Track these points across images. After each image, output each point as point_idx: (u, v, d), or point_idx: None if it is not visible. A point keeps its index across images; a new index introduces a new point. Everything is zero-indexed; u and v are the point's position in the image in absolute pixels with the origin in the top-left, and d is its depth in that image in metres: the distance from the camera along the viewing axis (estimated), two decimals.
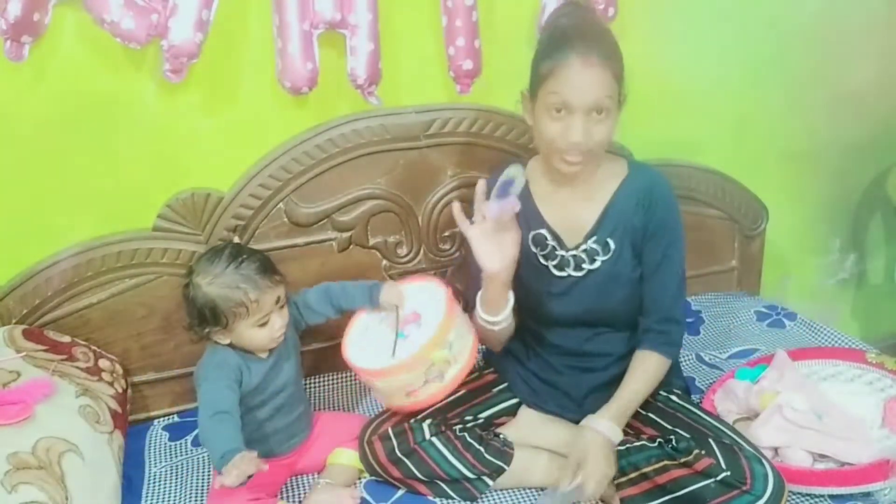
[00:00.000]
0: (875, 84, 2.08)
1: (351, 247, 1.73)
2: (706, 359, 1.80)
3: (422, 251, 1.78)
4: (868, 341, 1.84)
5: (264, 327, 1.37)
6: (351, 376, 1.75)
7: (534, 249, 1.44)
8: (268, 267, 1.39)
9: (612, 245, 1.42)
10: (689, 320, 1.95)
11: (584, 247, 1.43)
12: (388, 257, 1.76)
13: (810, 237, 2.24)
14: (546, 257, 1.44)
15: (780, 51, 1.94)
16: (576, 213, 1.44)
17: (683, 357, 1.74)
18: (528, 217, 1.43)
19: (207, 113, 1.56)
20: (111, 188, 1.55)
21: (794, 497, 1.33)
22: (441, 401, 1.43)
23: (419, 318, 1.42)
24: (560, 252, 1.43)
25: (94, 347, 1.56)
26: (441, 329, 1.36)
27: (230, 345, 1.40)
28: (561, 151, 1.33)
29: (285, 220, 1.66)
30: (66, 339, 1.53)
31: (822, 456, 1.39)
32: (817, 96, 2.03)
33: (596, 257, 1.42)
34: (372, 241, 1.74)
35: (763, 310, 1.98)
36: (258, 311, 1.35)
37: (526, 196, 1.43)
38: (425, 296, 1.45)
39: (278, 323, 1.39)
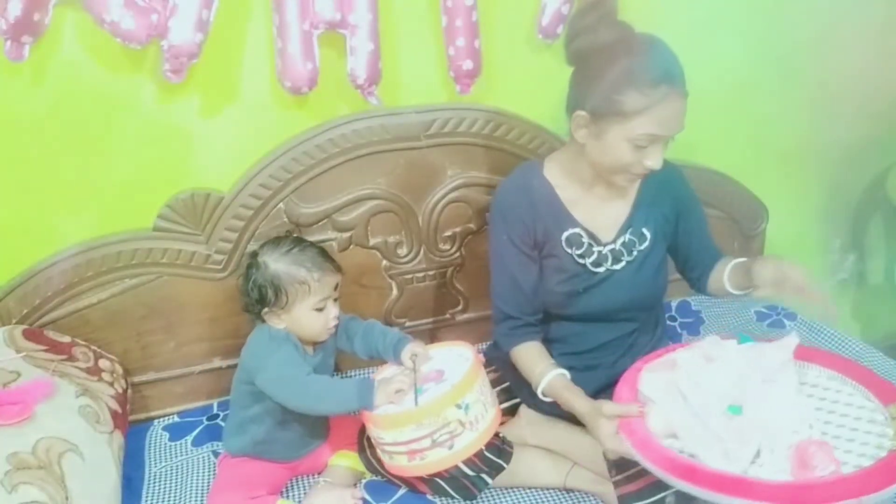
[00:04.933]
0: (875, 84, 2.08)
1: (351, 247, 1.73)
2: None
3: (422, 251, 1.78)
4: (868, 341, 1.84)
5: (320, 313, 1.40)
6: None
7: (568, 250, 1.43)
8: (327, 255, 1.45)
9: (647, 234, 1.45)
10: (688, 320, 1.95)
11: (622, 239, 1.44)
12: (388, 257, 1.76)
13: (810, 237, 2.24)
14: (583, 255, 1.43)
15: (780, 50, 1.94)
16: (607, 211, 1.44)
17: None
18: (559, 219, 1.42)
19: (207, 113, 1.56)
20: (111, 188, 1.55)
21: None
22: (446, 475, 1.38)
23: (441, 375, 1.37)
24: (597, 248, 1.43)
25: (94, 347, 1.56)
26: (460, 386, 1.30)
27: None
28: (632, 173, 1.34)
29: (285, 220, 1.66)
30: (66, 339, 1.53)
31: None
32: (817, 96, 2.03)
33: (633, 248, 1.44)
34: (372, 241, 1.74)
35: (763, 310, 1.98)
36: (319, 292, 1.38)
37: (552, 198, 1.43)
38: (453, 358, 1.42)
39: (333, 312, 1.42)
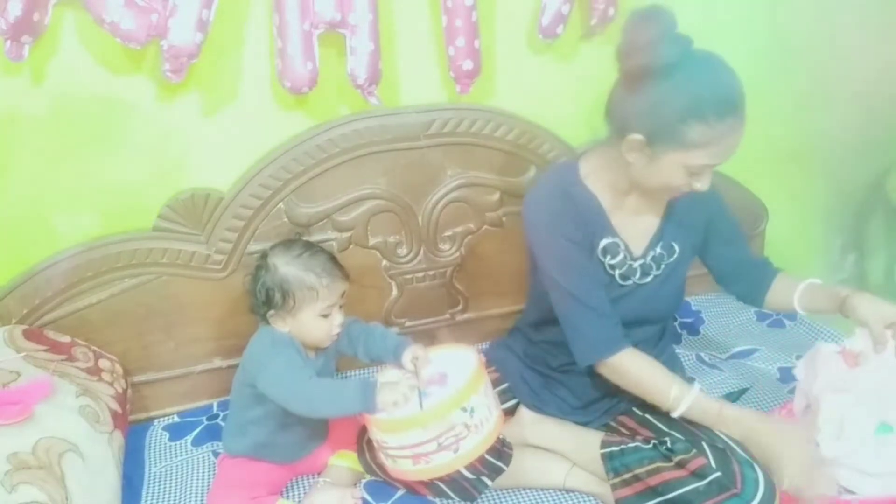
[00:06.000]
0: (875, 84, 2.08)
1: (351, 247, 1.73)
2: (706, 359, 1.80)
3: (422, 251, 1.78)
4: None
5: (326, 319, 1.39)
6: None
7: (602, 258, 1.38)
8: (336, 262, 1.44)
9: (676, 248, 1.42)
10: (688, 320, 1.95)
11: (652, 253, 1.41)
12: (388, 257, 1.76)
13: (810, 237, 2.24)
14: (614, 266, 1.39)
15: (780, 51, 1.93)
16: (638, 222, 1.41)
17: (683, 357, 1.74)
18: (600, 226, 1.37)
19: (207, 113, 1.56)
20: (111, 188, 1.55)
21: None
22: (446, 478, 1.37)
23: (445, 379, 1.36)
24: (629, 261, 1.40)
25: (94, 347, 1.56)
26: (465, 389, 1.28)
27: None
28: (678, 192, 1.31)
29: (285, 220, 1.66)
30: (66, 339, 1.53)
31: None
32: (817, 96, 2.03)
33: (662, 262, 1.41)
34: (372, 242, 1.74)
35: (763, 310, 1.98)
36: (327, 298, 1.38)
37: (594, 204, 1.37)
38: (456, 361, 1.40)
39: (338, 319, 1.41)
